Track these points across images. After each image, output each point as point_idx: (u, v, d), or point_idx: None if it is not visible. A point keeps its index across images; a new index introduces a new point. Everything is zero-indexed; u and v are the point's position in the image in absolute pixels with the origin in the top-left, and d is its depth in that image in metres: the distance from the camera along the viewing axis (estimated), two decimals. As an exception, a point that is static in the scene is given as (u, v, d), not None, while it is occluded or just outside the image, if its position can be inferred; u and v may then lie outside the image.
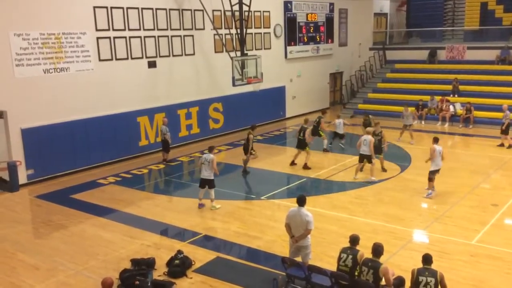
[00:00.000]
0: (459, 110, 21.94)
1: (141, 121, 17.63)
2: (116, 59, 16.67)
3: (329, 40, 26.59)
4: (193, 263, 9.21)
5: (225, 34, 19.90)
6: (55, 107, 15.11)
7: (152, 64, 17.84)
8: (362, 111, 23.98)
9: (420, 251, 8.15)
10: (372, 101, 25.08)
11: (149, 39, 17.62)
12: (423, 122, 22.27)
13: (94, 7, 15.85)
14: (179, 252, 9.30)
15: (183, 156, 17.81)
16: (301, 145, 15.66)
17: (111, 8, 16.32)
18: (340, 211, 11.88)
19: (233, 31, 19.62)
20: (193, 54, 19.30)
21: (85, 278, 8.89)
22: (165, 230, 11.17)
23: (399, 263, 8.89)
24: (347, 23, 28.14)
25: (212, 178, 12.18)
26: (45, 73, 14.78)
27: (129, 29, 16.94)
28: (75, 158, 15.68)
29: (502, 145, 17.79)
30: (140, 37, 17.33)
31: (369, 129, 14.93)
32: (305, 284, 7.92)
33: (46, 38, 14.69)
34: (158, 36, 17.92)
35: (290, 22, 23.83)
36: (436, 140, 12.77)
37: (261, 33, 22.38)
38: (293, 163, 15.89)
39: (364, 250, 7.59)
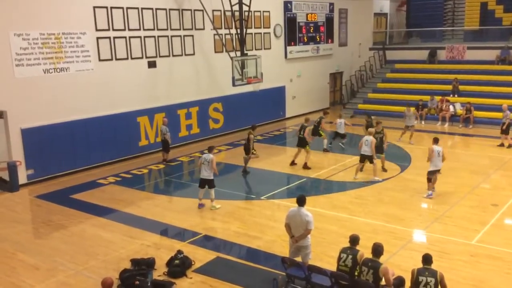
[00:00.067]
0: (459, 110, 21.94)
1: (141, 121, 17.63)
2: (116, 59, 16.67)
3: (329, 40, 26.59)
4: (193, 263, 9.21)
5: (225, 34, 19.90)
6: (55, 107, 15.11)
7: (152, 64, 17.84)
8: (362, 111, 24.02)
9: (420, 251, 8.15)
10: (372, 101, 25.08)
11: (149, 39, 17.62)
12: (423, 122, 22.26)
13: (94, 7, 15.86)
14: (179, 252, 9.30)
15: (183, 156, 17.81)
16: (302, 143, 15.67)
17: (111, 8, 16.32)
18: (340, 211, 11.88)
19: (233, 31, 19.61)
20: (193, 54, 19.30)
21: (85, 278, 8.89)
22: (165, 230, 11.17)
23: (399, 263, 8.89)
24: (347, 23, 28.14)
25: (212, 178, 12.18)
26: (45, 73, 14.78)
27: (129, 29, 16.94)
28: (75, 158, 15.68)
29: (502, 145, 17.80)
30: (140, 37, 17.32)
31: (370, 130, 14.92)
32: (305, 284, 7.92)
33: (46, 38, 14.69)
34: (158, 36, 17.92)
35: (290, 22, 23.83)
36: (436, 141, 12.75)
37: (261, 33, 22.38)
38: (293, 163, 15.89)
39: (364, 250, 7.58)
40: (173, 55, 18.55)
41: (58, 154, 15.20)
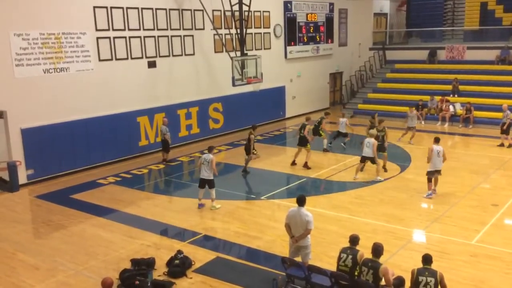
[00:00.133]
0: (459, 110, 21.94)
1: (141, 121, 17.63)
2: (116, 59, 16.67)
3: (329, 40, 26.59)
4: (193, 263, 9.21)
5: (225, 34, 19.90)
6: (55, 107, 15.11)
7: (152, 64, 17.84)
8: (362, 111, 24.03)
9: (420, 251, 8.16)
10: (372, 101, 25.07)
11: (149, 39, 17.62)
12: (423, 122, 22.26)
13: (94, 7, 15.86)
14: (179, 252, 9.30)
15: (183, 156, 17.81)
16: (302, 142, 15.69)
17: (111, 8, 16.32)
18: (340, 211, 11.88)
19: (233, 31, 19.61)
20: (193, 54, 19.30)
21: (85, 278, 8.89)
22: (165, 230, 11.17)
23: (399, 263, 8.89)
24: (347, 23, 28.14)
25: (212, 178, 12.18)
26: (45, 73, 14.79)
27: (129, 29, 16.94)
28: (75, 158, 15.68)
29: (502, 145, 17.80)
30: (140, 37, 17.33)
31: (372, 132, 14.90)
32: (305, 284, 7.92)
33: (46, 38, 14.69)
34: (158, 36, 17.92)
35: (290, 22, 23.83)
36: (437, 140, 12.73)
37: (261, 33, 22.38)
38: (293, 163, 15.89)
39: (364, 250, 7.58)
40: (173, 55, 18.55)
41: (58, 154, 15.20)
